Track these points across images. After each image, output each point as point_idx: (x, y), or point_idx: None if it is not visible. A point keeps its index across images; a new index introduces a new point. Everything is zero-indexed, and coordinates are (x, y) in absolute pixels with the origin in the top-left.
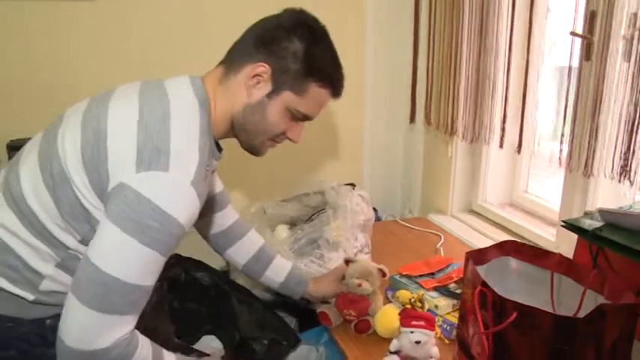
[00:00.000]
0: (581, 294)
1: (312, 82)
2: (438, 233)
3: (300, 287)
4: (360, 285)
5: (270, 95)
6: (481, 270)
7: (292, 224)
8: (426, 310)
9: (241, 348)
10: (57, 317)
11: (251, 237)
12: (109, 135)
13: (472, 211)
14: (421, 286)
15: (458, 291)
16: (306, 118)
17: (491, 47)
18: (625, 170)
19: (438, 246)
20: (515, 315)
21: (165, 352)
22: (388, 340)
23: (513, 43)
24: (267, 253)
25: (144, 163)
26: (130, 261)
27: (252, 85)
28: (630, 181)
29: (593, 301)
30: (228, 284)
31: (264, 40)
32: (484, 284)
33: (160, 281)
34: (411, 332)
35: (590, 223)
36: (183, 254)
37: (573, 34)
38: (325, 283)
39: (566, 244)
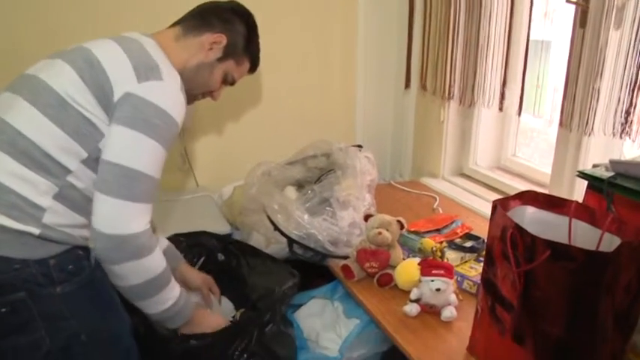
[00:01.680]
0: (599, 237)
1: (247, 58)
2: (433, 195)
3: (173, 262)
4: (380, 233)
5: (220, 60)
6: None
7: (299, 186)
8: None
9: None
10: (60, 256)
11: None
12: (102, 61)
13: (463, 174)
14: None
15: (465, 244)
16: (233, 83)
17: (489, 10)
18: (625, 127)
19: (435, 206)
20: (548, 252)
21: (172, 278)
22: (406, 293)
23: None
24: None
25: (142, 75)
26: (142, 153)
27: (208, 48)
28: (630, 137)
29: (609, 243)
30: (234, 246)
31: (223, 18)
32: (516, 227)
33: None
34: (432, 281)
35: (602, 174)
36: None
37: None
38: (195, 271)
39: None
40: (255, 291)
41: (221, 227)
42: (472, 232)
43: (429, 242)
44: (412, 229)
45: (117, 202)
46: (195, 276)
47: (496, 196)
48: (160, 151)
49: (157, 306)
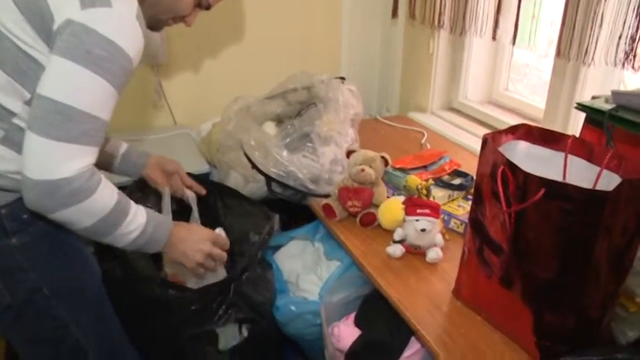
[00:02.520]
0: (597, 174)
1: None
2: (420, 130)
3: (135, 169)
4: (362, 170)
5: None
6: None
7: (278, 121)
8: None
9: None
10: (12, 205)
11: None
12: None
13: (452, 109)
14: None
15: (453, 182)
16: (208, 7)
17: None
18: (629, 55)
19: (423, 142)
20: (542, 191)
21: (133, 205)
22: (390, 233)
23: None
24: None
25: (86, 0)
26: (82, 89)
27: None
28: (634, 67)
29: (607, 180)
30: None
31: None
32: (508, 163)
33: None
34: (417, 220)
35: (602, 106)
36: None
37: None
38: (158, 171)
39: None
40: (232, 233)
41: (199, 166)
42: (460, 169)
43: (415, 179)
44: (398, 166)
45: (46, 143)
46: (159, 175)
47: (487, 132)
48: (105, 88)
49: (123, 239)
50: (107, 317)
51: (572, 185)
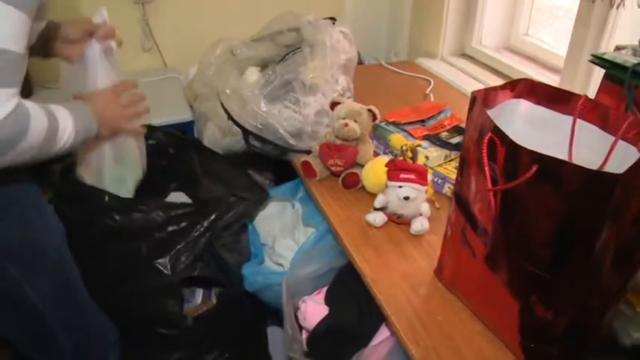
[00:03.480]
0: (610, 145)
1: None
2: (427, 78)
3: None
4: (346, 125)
5: None
6: (489, 114)
7: (264, 66)
8: (417, 162)
9: (206, 206)
10: None
11: None
12: None
13: (465, 55)
14: (410, 135)
15: (452, 140)
16: None
17: None
18: None
19: (428, 91)
20: (534, 169)
21: (57, 113)
22: (373, 197)
23: None
24: None
25: None
26: None
27: None
28: None
29: (622, 154)
30: (189, 144)
31: None
32: (495, 130)
33: None
34: (400, 187)
35: (625, 60)
36: None
37: None
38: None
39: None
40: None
41: (181, 114)
42: (462, 125)
43: (399, 139)
44: (391, 120)
45: None
46: (75, 28)
47: (500, 81)
48: (10, 14)
49: (61, 150)
50: (70, 284)
51: (571, 164)
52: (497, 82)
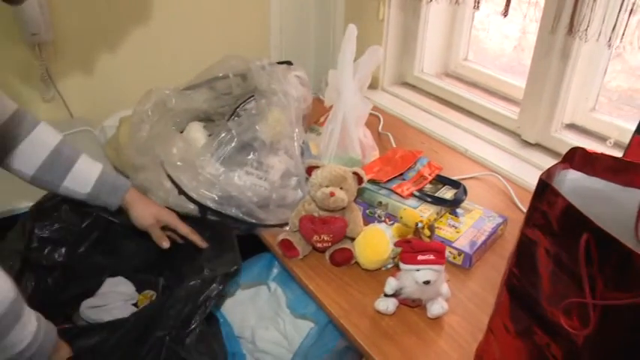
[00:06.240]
0: None
1: None
2: (374, 113)
3: (115, 196)
4: (332, 194)
5: None
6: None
7: (207, 120)
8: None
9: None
10: None
11: (40, 134)
12: None
13: (405, 84)
14: (398, 195)
15: (441, 194)
16: None
17: None
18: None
19: (380, 129)
20: None
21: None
22: (369, 273)
23: None
24: (65, 154)
25: None
26: None
27: None
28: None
29: None
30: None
31: None
32: (597, 231)
33: None
34: (417, 270)
35: None
36: None
37: None
38: (149, 206)
39: (528, 124)
40: (166, 267)
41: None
42: (442, 174)
43: (412, 215)
44: (369, 177)
45: None
46: (146, 213)
47: (448, 110)
48: None
49: (6, 351)
50: None
51: None
52: (442, 110)
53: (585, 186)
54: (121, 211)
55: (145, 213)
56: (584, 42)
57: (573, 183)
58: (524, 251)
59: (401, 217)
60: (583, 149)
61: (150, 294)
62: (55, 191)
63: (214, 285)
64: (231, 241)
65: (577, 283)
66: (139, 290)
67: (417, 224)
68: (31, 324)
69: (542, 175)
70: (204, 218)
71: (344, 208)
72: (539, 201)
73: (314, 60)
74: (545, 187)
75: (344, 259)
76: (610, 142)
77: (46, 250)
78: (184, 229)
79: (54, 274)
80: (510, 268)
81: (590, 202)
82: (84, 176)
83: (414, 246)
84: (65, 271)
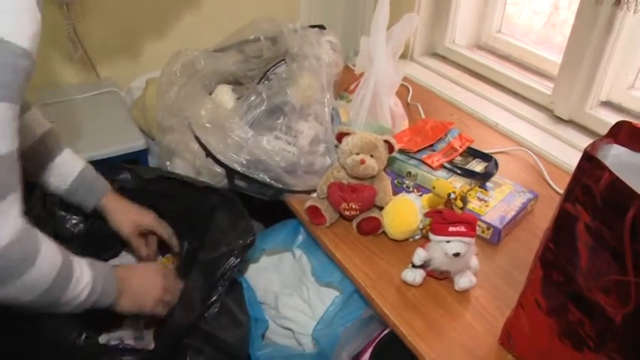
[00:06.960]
0: None
1: None
2: (403, 83)
3: (93, 195)
4: (362, 162)
5: None
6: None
7: (235, 83)
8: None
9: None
10: None
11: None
12: None
13: (435, 54)
14: (428, 166)
15: (471, 167)
16: None
17: None
18: None
19: (409, 100)
20: None
21: (75, 259)
22: (396, 243)
23: None
24: (48, 146)
25: None
26: None
27: None
28: None
29: None
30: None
31: None
32: None
33: None
34: (447, 242)
35: None
36: None
37: None
38: (128, 211)
39: (562, 100)
40: (189, 231)
41: (132, 141)
42: (474, 146)
43: (445, 185)
44: (398, 146)
45: None
46: (124, 220)
47: (478, 83)
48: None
49: (69, 305)
50: None
51: None
52: (473, 82)
53: (630, 162)
54: (98, 216)
55: (123, 219)
56: (634, 13)
57: (617, 158)
58: (562, 226)
59: (433, 187)
60: (630, 123)
61: (172, 258)
62: (34, 180)
63: (232, 259)
64: (240, 209)
65: (619, 260)
66: (163, 254)
67: (449, 195)
68: (86, 275)
69: (586, 147)
70: (206, 187)
71: (373, 177)
72: (583, 175)
73: (342, 28)
74: (590, 161)
75: (372, 228)
76: None
77: (66, 220)
78: (165, 233)
79: (73, 243)
80: (546, 243)
81: (634, 178)
82: (64, 171)
83: (446, 217)
84: (86, 239)
